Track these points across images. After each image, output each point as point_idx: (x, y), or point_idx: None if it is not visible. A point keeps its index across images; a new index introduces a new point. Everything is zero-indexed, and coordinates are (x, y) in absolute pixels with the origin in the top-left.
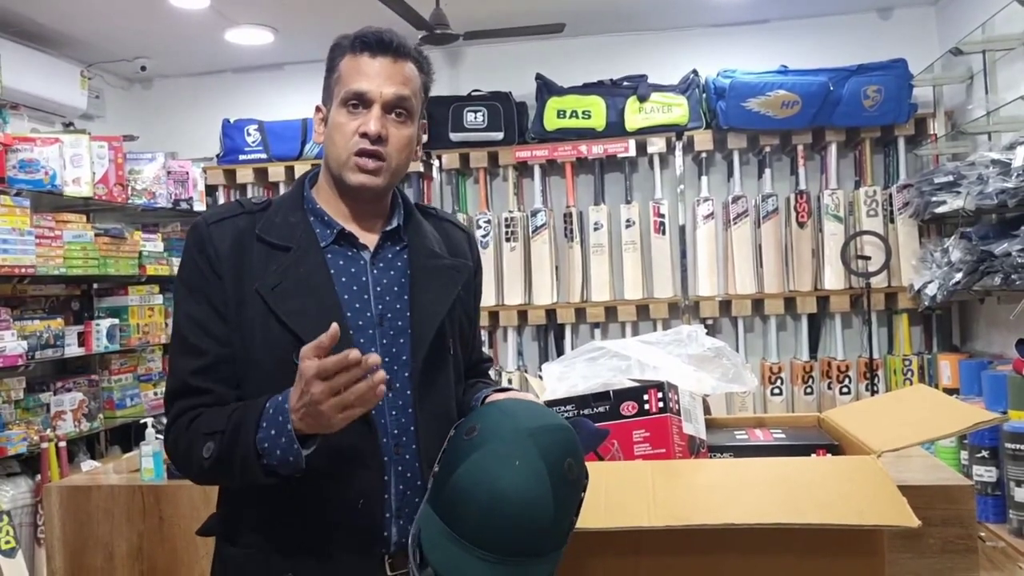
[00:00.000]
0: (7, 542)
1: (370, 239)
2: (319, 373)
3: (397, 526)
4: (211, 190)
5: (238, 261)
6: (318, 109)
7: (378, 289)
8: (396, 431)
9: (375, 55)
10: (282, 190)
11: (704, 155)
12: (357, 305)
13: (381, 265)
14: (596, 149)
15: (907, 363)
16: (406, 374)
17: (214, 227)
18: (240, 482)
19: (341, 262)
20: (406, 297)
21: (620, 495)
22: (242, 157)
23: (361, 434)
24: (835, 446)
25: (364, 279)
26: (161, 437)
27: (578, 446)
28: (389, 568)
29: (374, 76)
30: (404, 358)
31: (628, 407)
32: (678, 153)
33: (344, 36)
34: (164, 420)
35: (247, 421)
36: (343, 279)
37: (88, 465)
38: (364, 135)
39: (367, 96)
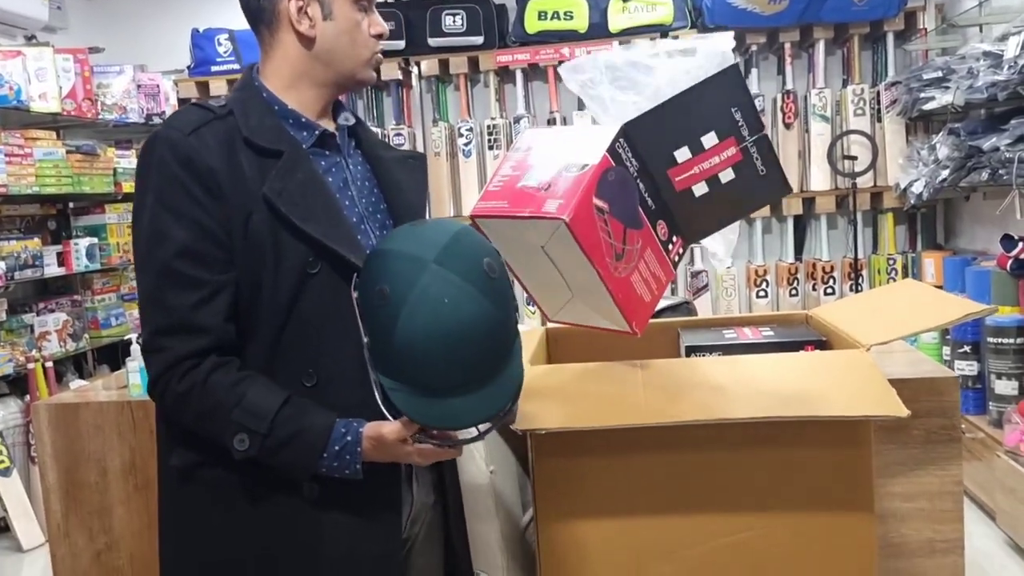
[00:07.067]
0: (1, 461)
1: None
2: (421, 453)
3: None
4: (184, 104)
5: (232, 172)
6: None
7: (357, 184)
8: None
9: None
10: None
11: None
12: (347, 203)
13: (350, 162)
14: (579, 52)
15: (891, 262)
16: None
17: (194, 138)
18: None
19: (323, 163)
20: (377, 190)
21: (610, 393)
22: (214, 68)
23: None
24: (823, 342)
25: (345, 177)
26: None
27: (479, 236)
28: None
29: None
30: None
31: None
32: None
33: None
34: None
35: (308, 444)
36: (329, 180)
37: (76, 384)
38: (380, 36)
39: None
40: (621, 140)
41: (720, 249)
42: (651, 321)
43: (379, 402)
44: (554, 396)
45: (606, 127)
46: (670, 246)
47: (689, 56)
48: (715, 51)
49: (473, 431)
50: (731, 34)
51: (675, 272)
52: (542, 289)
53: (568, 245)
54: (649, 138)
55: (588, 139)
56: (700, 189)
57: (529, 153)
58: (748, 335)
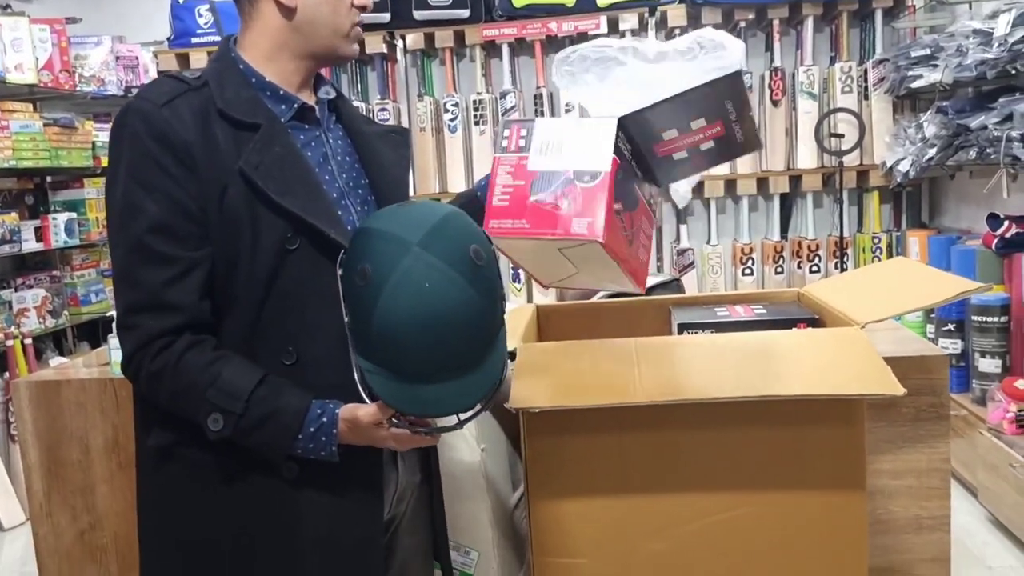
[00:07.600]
0: None
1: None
2: (396, 438)
3: None
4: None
5: (206, 144)
6: None
7: (337, 159)
8: None
9: None
10: None
11: (678, 31)
12: (327, 178)
13: (330, 137)
14: (566, 27)
15: (876, 240)
16: None
17: (167, 110)
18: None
19: (302, 137)
20: (358, 165)
21: (603, 372)
22: (195, 40)
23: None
24: (816, 320)
25: (325, 152)
26: None
27: (468, 221)
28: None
29: None
30: None
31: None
32: (651, 30)
33: None
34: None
35: (283, 425)
36: (308, 154)
37: (56, 362)
38: (363, 8)
39: None
40: (619, 133)
41: (683, 186)
42: (643, 299)
43: (358, 384)
44: (546, 374)
45: (600, 120)
46: (652, 200)
47: (693, 60)
48: (724, 64)
49: (452, 419)
50: (742, 43)
51: (656, 217)
52: (538, 266)
53: (593, 252)
54: (641, 126)
55: (587, 137)
56: (680, 155)
57: (525, 157)
58: (740, 313)
